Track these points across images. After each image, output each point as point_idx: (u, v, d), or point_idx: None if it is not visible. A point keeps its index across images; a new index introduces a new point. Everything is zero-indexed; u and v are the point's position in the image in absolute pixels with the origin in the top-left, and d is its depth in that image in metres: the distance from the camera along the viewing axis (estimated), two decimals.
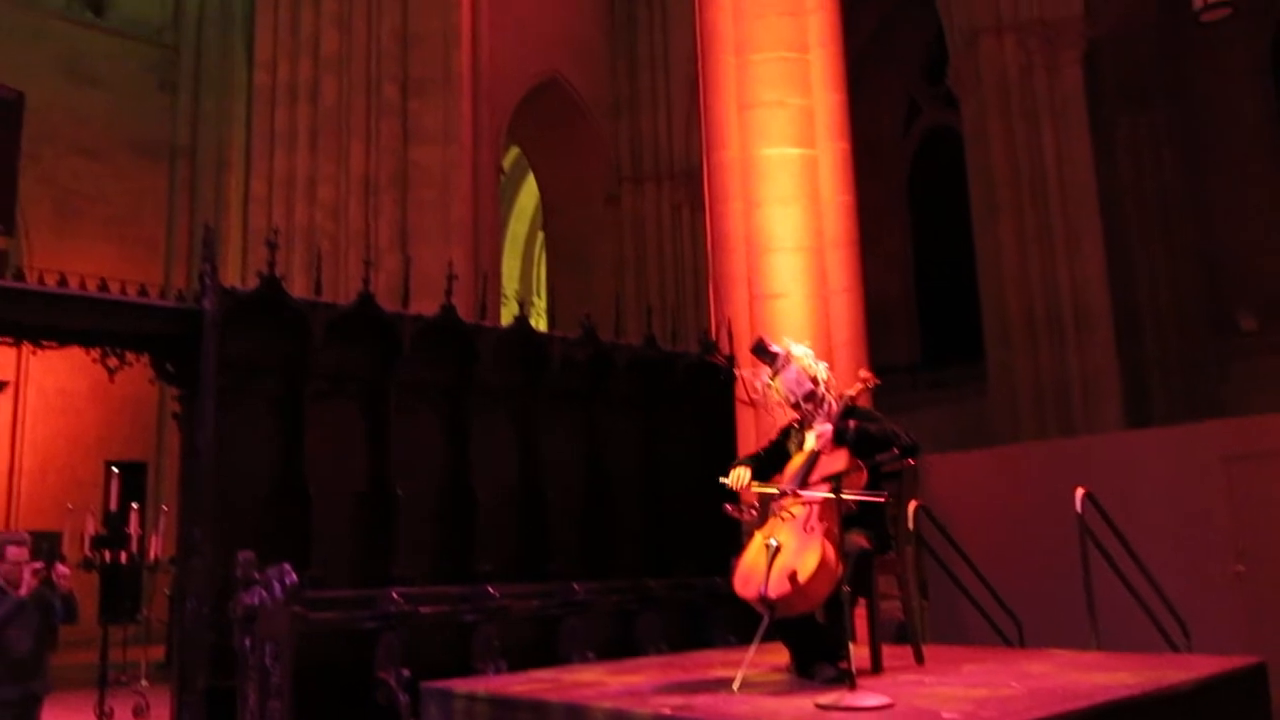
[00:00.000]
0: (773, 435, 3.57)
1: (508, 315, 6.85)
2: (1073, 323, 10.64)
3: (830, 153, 7.11)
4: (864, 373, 3.66)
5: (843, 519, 3.01)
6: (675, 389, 6.25)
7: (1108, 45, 12.38)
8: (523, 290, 17.51)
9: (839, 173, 7.11)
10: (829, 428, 3.20)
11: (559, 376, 5.70)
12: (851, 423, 3.21)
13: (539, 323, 15.01)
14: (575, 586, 4.97)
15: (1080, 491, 5.11)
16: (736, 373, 6.29)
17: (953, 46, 12.18)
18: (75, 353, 4.78)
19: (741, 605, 3.07)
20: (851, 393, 3.39)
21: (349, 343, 4.98)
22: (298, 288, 6.99)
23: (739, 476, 3.24)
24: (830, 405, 3.35)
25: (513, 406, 5.62)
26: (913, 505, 3.80)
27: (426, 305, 5.38)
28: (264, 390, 4.74)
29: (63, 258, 13.10)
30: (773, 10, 7.24)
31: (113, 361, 4.64)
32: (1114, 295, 11.01)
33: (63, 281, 4.48)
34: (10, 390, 14.12)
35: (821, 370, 3.42)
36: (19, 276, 4.58)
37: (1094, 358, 10.62)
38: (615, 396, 6.01)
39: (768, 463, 3.35)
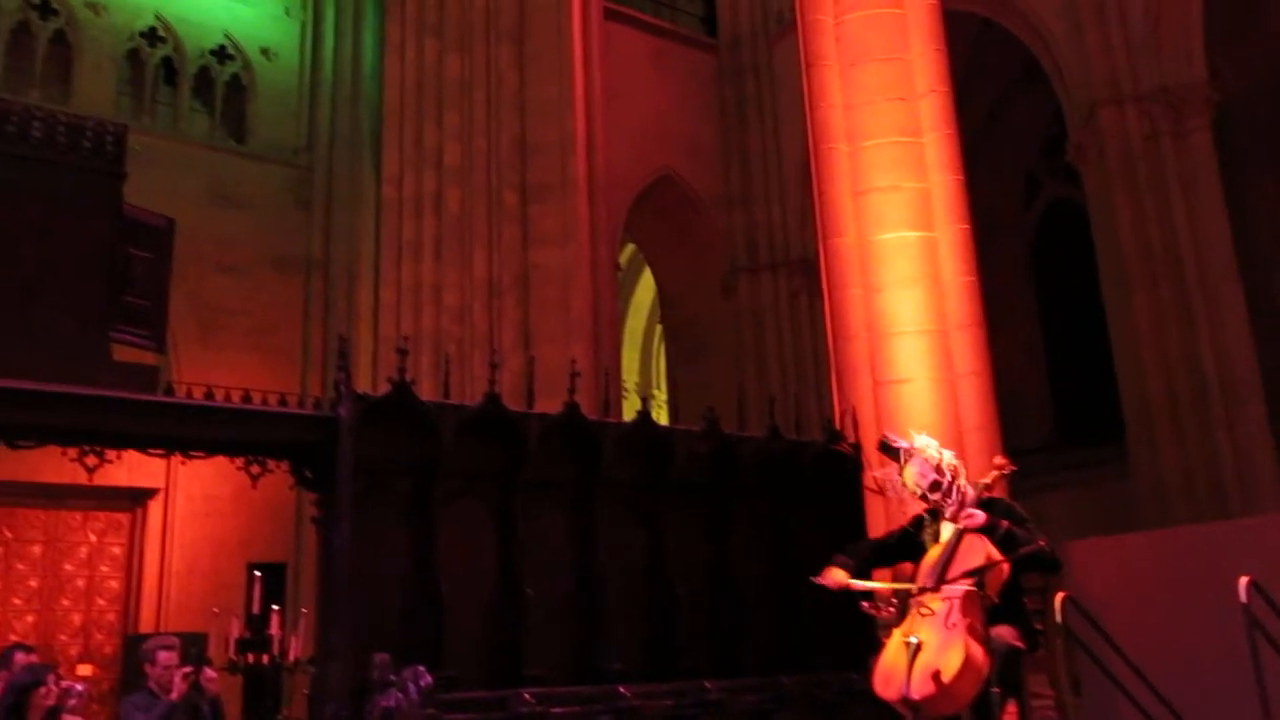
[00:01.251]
0: (904, 524, 3.47)
1: (630, 409, 6.90)
2: (1220, 399, 10.10)
3: (949, 234, 7.03)
4: (999, 459, 3.55)
5: (986, 613, 2.88)
6: (801, 479, 6.16)
7: (1236, 106, 11.99)
8: (643, 383, 17.64)
9: (959, 254, 7.01)
10: (975, 515, 3.09)
11: (684, 470, 5.69)
12: (1003, 523, 3.10)
13: (660, 415, 15.02)
14: (707, 685, 4.88)
15: (1244, 580, 4.78)
16: (863, 461, 6.16)
17: (1071, 121, 11.97)
18: (220, 460, 5.00)
19: (881, 705, 2.95)
20: (987, 481, 3.28)
21: (477, 443, 5.07)
22: (426, 390, 7.19)
23: (835, 577, 3.13)
24: (963, 493, 3.24)
25: (638, 502, 5.62)
26: (1060, 597, 3.63)
27: (551, 403, 5.47)
28: (397, 492, 4.85)
29: (207, 369, 13.80)
30: (883, 97, 7.28)
31: (255, 469, 4.82)
32: (1264, 368, 10.44)
33: (209, 395, 4.71)
34: (160, 497, 14.81)
35: (948, 458, 3.34)
36: (169, 391, 4.83)
37: (1246, 434, 10.04)
38: (741, 489, 5.96)
39: (896, 551, 3.25)
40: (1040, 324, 15.98)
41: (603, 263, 11.52)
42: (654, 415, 6.03)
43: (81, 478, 4.92)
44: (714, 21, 15.20)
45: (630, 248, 16.49)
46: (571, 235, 11.10)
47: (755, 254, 14.41)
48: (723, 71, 14.85)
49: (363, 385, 5.83)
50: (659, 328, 17.82)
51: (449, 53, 11.96)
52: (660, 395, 17.38)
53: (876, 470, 5.80)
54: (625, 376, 15.01)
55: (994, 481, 3.26)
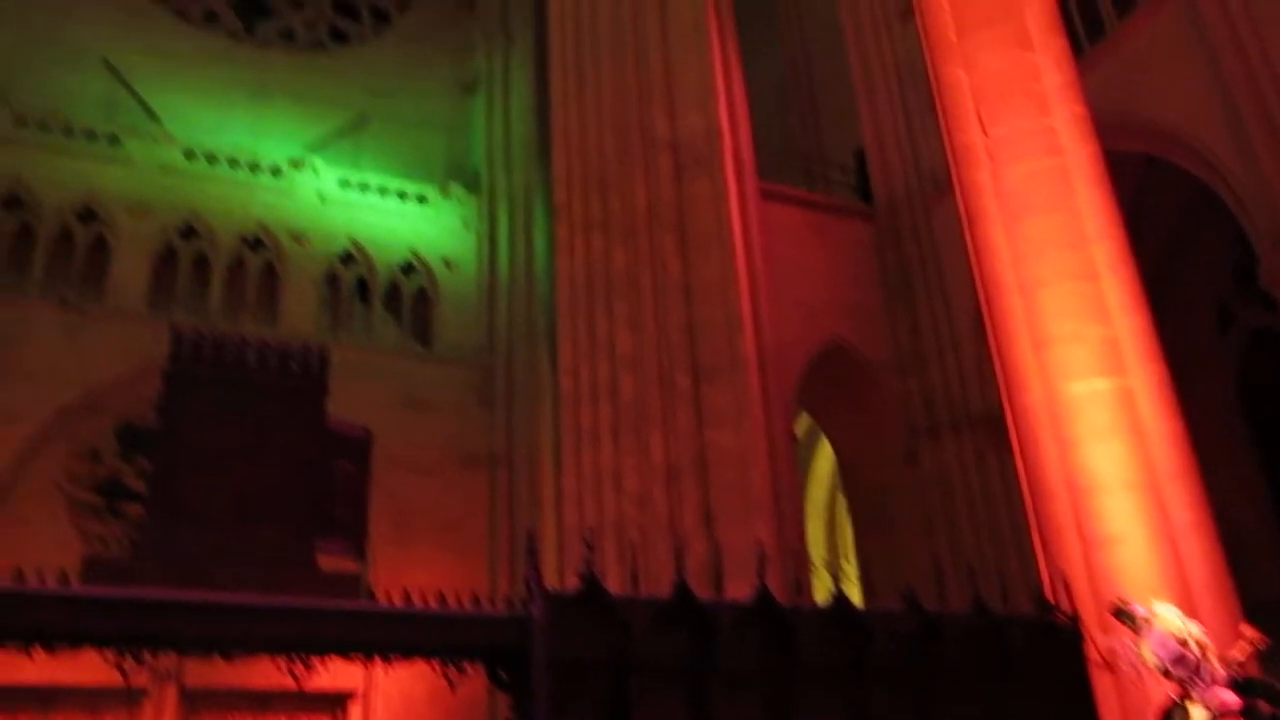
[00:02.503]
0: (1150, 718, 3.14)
1: (819, 586, 6.67)
2: None
3: (1143, 378, 6.67)
4: (1248, 631, 3.21)
5: None
6: (1012, 656, 5.72)
7: None
8: (830, 556, 17.09)
9: (1158, 398, 6.63)
10: (1229, 699, 2.78)
11: (883, 652, 5.39)
12: (1263, 706, 2.77)
13: (851, 589, 14.49)
14: None
15: None
16: (1084, 633, 5.69)
17: (1260, 247, 11.35)
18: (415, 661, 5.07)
19: None
20: (1239, 656, 2.95)
21: (668, 635, 4.97)
22: (612, 580, 7.15)
23: None
24: (1211, 670, 2.92)
25: (838, 689, 5.33)
26: None
27: (738, 586, 5.34)
28: (590, 691, 4.77)
29: (401, 568, 14.27)
30: (1053, 246, 7.12)
31: (452, 672, 4.85)
32: None
33: (407, 599, 4.81)
34: (359, 699, 15.13)
35: (1194, 630, 3.03)
36: (370, 598, 4.98)
37: None
38: (947, 669, 5.58)
39: None
40: (1258, 461, 14.78)
41: (779, 438, 11.42)
42: (844, 589, 5.79)
43: (287, 683, 5.07)
44: (868, 190, 15.39)
45: (805, 418, 16.36)
46: (745, 413, 11.09)
47: (935, 415, 14.01)
48: (882, 237, 14.91)
49: (549, 575, 5.86)
50: (841, 498, 17.41)
51: (615, 246, 12.46)
52: (849, 568, 16.79)
53: (1106, 641, 5.35)
54: (811, 550, 14.60)
55: (1246, 658, 2.93)
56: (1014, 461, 7.25)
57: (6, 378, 15.29)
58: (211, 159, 18.39)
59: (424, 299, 19.24)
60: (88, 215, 17.26)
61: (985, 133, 7.58)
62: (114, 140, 17.85)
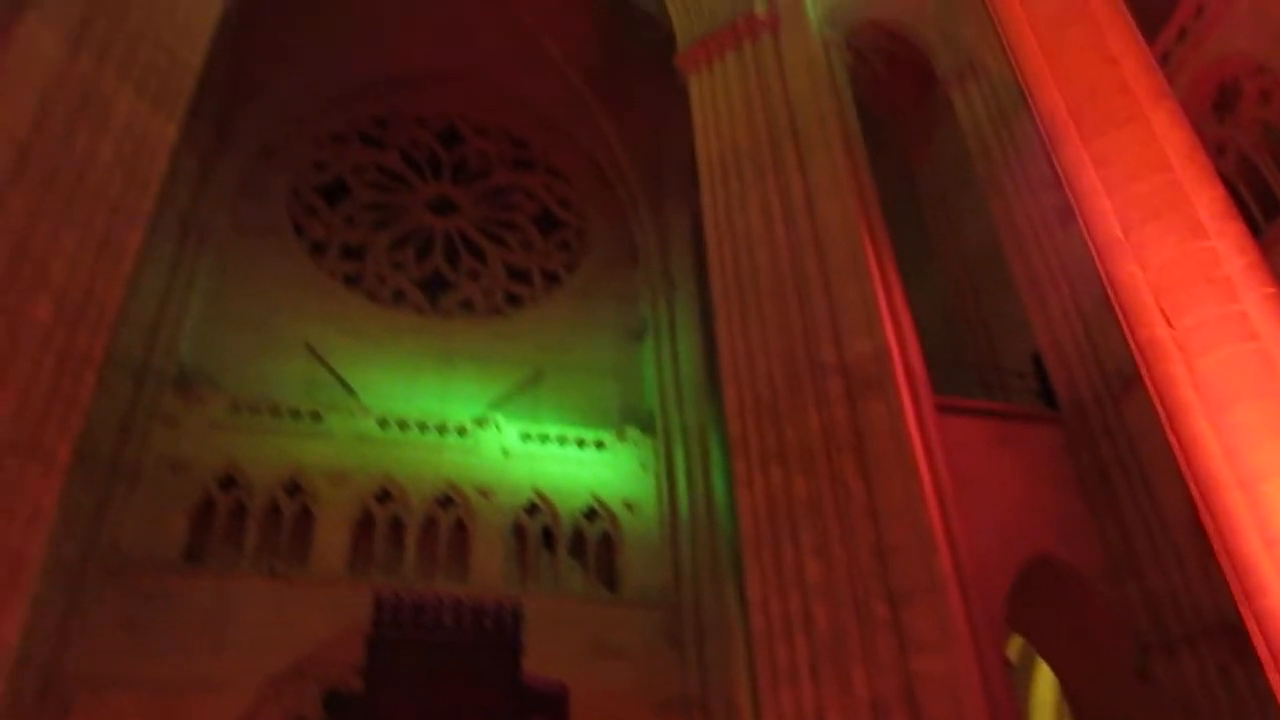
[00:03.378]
0: None
1: None
2: None
3: None
4: None
5: None
6: None
7: None
8: None
9: None
10: None
11: None
12: None
13: None
14: None
15: None
16: None
17: None
18: None
19: None
20: None
21: None
22: None
23: None
24: None
25: None
26: None
27: None
28: None
29: None
30: (1268, 434, 6.63)
31: None
32: None
33: None
34: None
35: None
36: None
37: None
38: None
39: None
40: None
41: (991, 664, 10.64)
42: None
43: None
44: (1050, 394, 14.89)
45: (1017, 641, 15.27)
46: (950, 636, 10.45)
47: (1165, 627, 12.81)
48: (1072, 441, 14.26)
49: None
50: None
51: (794, 475, 12.35)
52: None
53: None
54: None
55: None
56: (1263, 674, 6.50)
57: (219, 649, 16.05)
58: (403, 425, 19.55)
59: (608, 543, 19.39)
60: (293, 488, 18.44)
61: (1170, 325, 7.28)
62: (316, 417, 19.27)
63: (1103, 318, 13.44)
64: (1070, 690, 14.23)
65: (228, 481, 18.27)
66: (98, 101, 12.57)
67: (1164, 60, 12.88)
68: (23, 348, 10.74)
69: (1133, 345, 7.63)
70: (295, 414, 19.24)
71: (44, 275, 11.20)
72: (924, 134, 19.34)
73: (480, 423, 19.90)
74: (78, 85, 12.38)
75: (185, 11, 14.56)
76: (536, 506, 19.41)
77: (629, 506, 19.70)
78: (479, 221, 24.45)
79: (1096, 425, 14.04)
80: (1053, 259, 15.16)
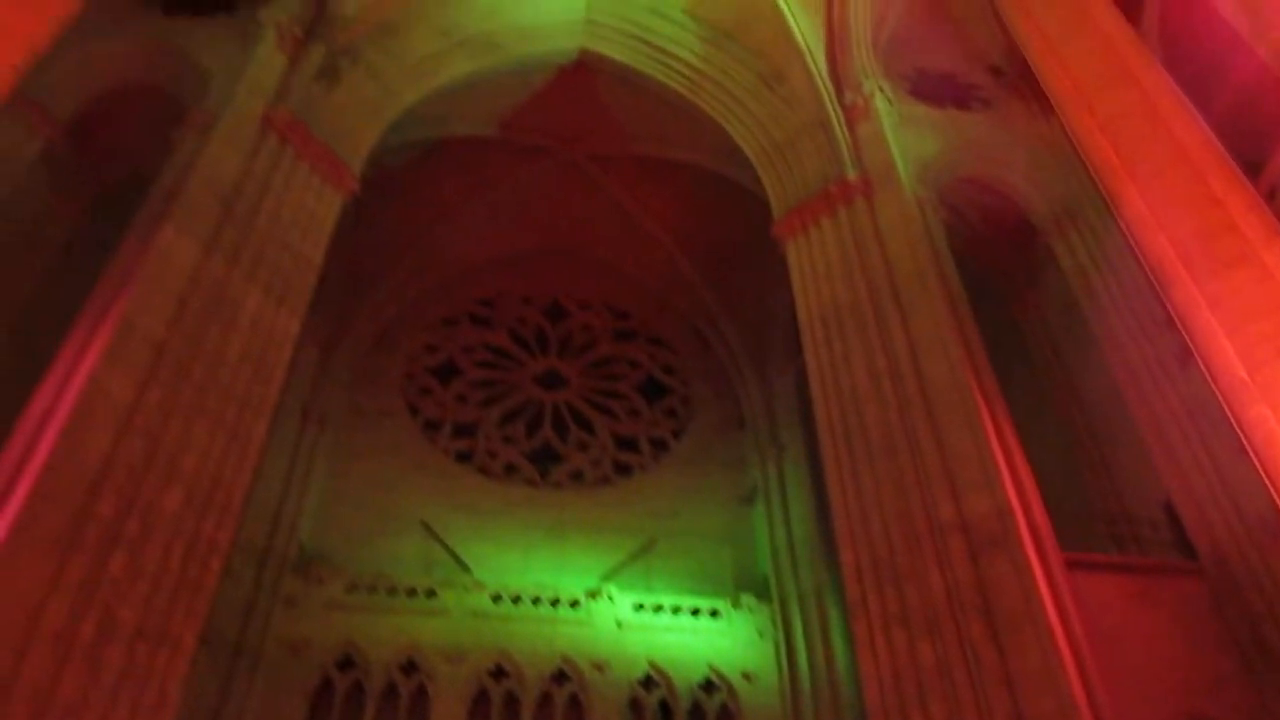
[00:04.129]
0: None
1: None
2: None
3: None
4: None
5: None
6: None
7: None
8: None
9: None
10: None
11: None
12: None
13: None
14: None
15: None
16: None
17: None
18: None
19: None
20: None
21: None
22: None
23: None
24: None
25: None
26: None
27: None
28: None
29: None
30: None
31: None
32: None
33: None
34: None
35: None
36: None
37: None
38: None
39: None
40: None
41: None
42: None
43: None
44: (1187, 543, 14.09)
45: None
46: None
47: None
48: (1217, 594, 13.37)
49: None
50: None
51: (919, 639, 11.84)
52: None
53: None
54: None
55: None
56: None
57: None
58: (517, 599, 19.47)
59: (727, 716, 18.67)
60: (409, 667, 18.37)
61: None
62: (431, 594, 19.35)
63: (1237, 461, 12.80)
64: None
65: (345, 662, 18.32)
66: (227, 301, 13.41)
67: (1271, 196, 12.65)
68: (154, 538, 11.17)
69: (1273, 493, 7.24)
70: (411, 592, 19.35)
71: (176, 467, 11.73)
72: (1027, 282, 19.17)
73: (593, 594, 19.70)
74: (209, 288, 13.25)
75: (308, 212, 15.59)
76: (653, 680, 18.90)
77: (747, 677, 19.03)
78: (586, 393, 24.89)
79: (1243, 576, 13.17)
80: (1175, 402, 14.62)
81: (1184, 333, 8.41)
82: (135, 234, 13.13)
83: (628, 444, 23.98)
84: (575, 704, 18.47)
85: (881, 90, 17.39)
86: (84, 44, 15.63)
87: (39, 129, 15.73)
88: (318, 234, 15.64)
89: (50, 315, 13.73)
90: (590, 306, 26.74)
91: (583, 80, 21.33)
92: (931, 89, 18.64)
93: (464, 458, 22.96)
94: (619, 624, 19.37)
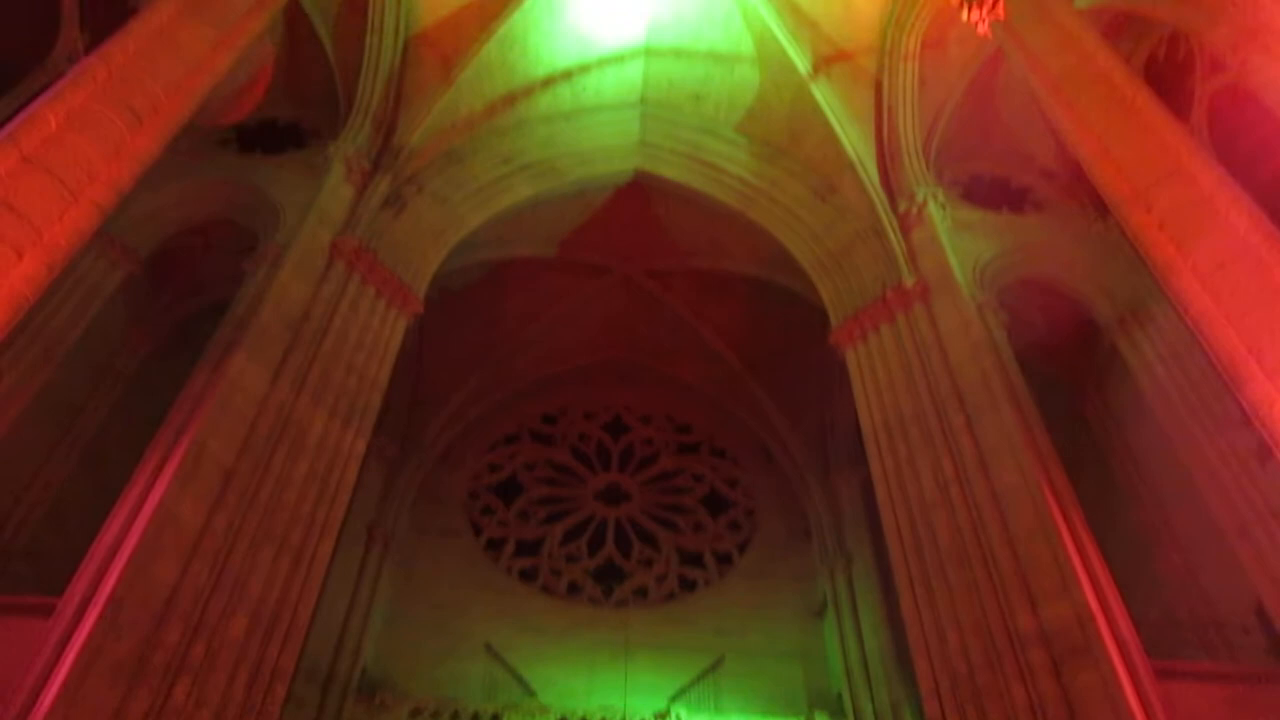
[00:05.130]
0: None
1: None
2: None
3: None
4: None
5: None
6: None
7: None
8: None
9: None
10: None
11: None
12: None
13: None
14: None
15: None
16: None
17: None
18: None
19: None
20: None
21: None
22: None
23: None
24: None
25: None
26: None
27: None
28: None
29: None
30: None
31: None
32: None
33: None
34: None
35: None
36: None
37: None
38: None
39: None
40: None
41: None
42: None
43: None
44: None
45: None
46: None
47: None
48: None
49: None
50: None
51: None
52: None
53: None
54: None
55: None
56: None
57: None
58: None
59: None
60: None
61: None
62: (495, 718, 18.97)
63: None
64: None
65: None
66: (294, 425, 13.65)
67: None
68: (219, 664, 11.17)
69: None
70: (475, 718, 19.01)
71: (242, 592, 11.80)
72: (1094, 382, 18.83)
73: (662, 716, 19.17)
74: (277, 412, 13.53)
75: (374, 335, 15.95)
76: None
77: None
78: (648, 508, 24.71)
79: None
80: (1259, 501, 14.06)
81: (1260, 429, 8.14)
82: (207, 362, 13.51)
83: (692, 559, 23.64)
84: None
85: (934, 197, 17.50)
86: (164, 183, 16.43)
87: (120, 263, 16.41)
88: (383, 356, 15.96)
89: (121, 445, 14.11)
90: (652, 420, 26.76)
91: (639, 198, 21.81)
92: (984, 193, 18.72)
93: (527, 577, 22.78)
94: None
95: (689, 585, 23.03)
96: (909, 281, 16.67)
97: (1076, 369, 19.07)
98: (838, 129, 18.75)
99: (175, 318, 19.21)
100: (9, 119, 9.69)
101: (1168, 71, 16.13)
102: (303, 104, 19.03)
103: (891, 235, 17.49)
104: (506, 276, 23.78)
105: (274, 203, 16.86)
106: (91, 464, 16.74)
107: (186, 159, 16.84)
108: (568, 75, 20.19)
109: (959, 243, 16.99)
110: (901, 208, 17.73)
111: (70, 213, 9.35)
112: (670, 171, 20.67)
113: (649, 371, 26.65)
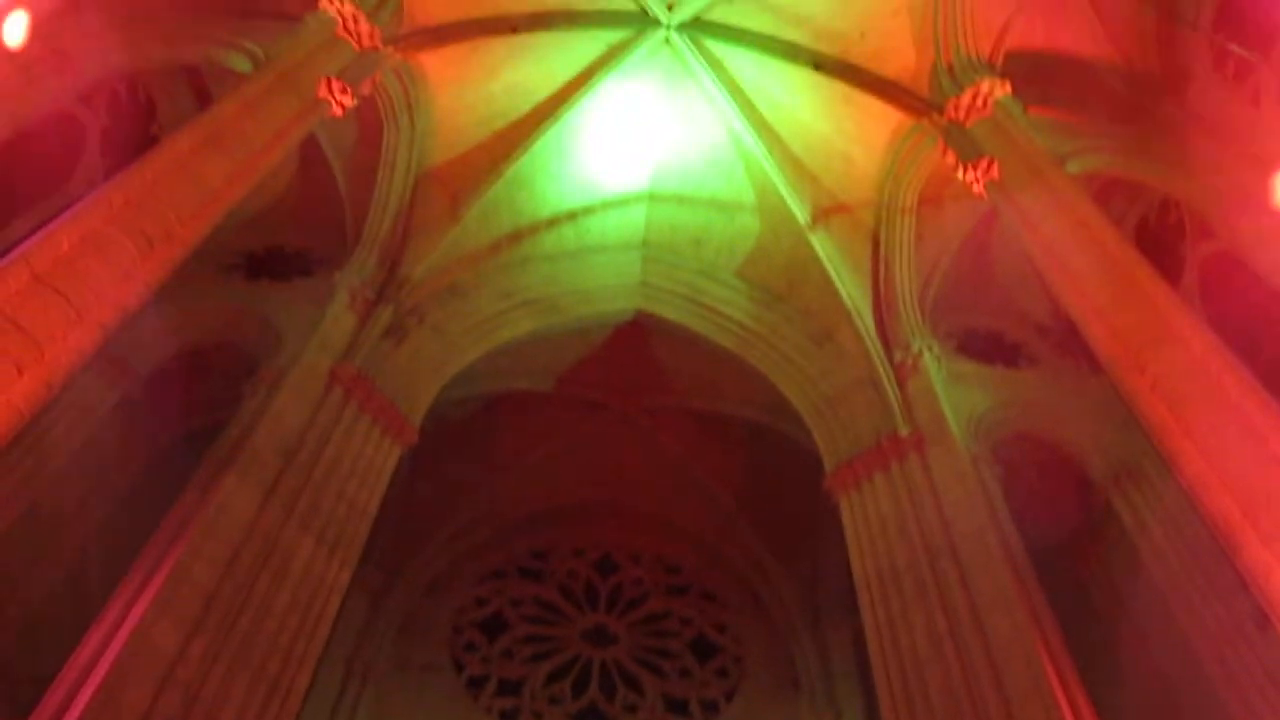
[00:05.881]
0: None
1: None
2: None
3: None
4: None
5: None
6: None
7: None
8: None
9: None
10: None
11: None
12: None
13: None
14: None
15: None
16: None
17: None
18: None
19: None
20: None
21: None
22: None
23: None
24: None
25: None
26: None
27: None
28: None
29: None
30: None
31: None
32: None
33: None
34: None
35: None
36: None
37: None
38: None
39: None
40: None
41: None
42: None
43: None
44: None
45: None
46: None
47: None
48: None
49: None
50: None
51: None
52: None
53: None
54: None
55: None
56: None
57: None
58: None
59: None
60: None
61: None
62: None
63: None
64: None
65: None
66: (280, 552, 13.47)
67: None
68: None
69: None
70: None
71: None
72: (1090, 539, 18.68)
73: None
74: (263, 538, 13.36)
75: (367, 463, 15.89)
76: None
77: None
78: (635, 650, 24.13)
79: None
80: (1256, 669, 13.82)
81: (1258, 596, 8.04)
82: (197, 483, 13.42)
83: (678, 706, 22.95)
84: None
85: (929, 348, 17.70)
86: (170, 306, 16.62)
87: (118, 382, 16.47)
88: (375, 485, 15.87)
89: (104, 564, 13.90)
90: (642, 559, 26.39)
91: (638, 337, 22.07)
92: (979, 346, 18.95)
93: (507, 718, 22.07)
94: None
95: None
96: (904, 431, 16.72)
97: (1072, 526, 18.93)
98: (835, 278, 19.11)
99: (170, 438, 19.15)
100: (25, 238, 9.88)
101: (1160, 235, 16.56)
102: (311, 233, 19.41)
103: (887, 384, 17.62)
104: (503, 409, 23.84)
105: (276, 328, 17.04)
106: (73, 583, 16.43)
107: (194, 283, 17.09)
108: (572, 216, 20.71)
109: (954, 395, 17.11)
110: (897, 358, 17.91)
111: (74, 333, 9.44)
112: (670, 313, 20.99)
113: (642, 511, 26.41)
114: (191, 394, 19.11)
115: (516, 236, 20.30)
